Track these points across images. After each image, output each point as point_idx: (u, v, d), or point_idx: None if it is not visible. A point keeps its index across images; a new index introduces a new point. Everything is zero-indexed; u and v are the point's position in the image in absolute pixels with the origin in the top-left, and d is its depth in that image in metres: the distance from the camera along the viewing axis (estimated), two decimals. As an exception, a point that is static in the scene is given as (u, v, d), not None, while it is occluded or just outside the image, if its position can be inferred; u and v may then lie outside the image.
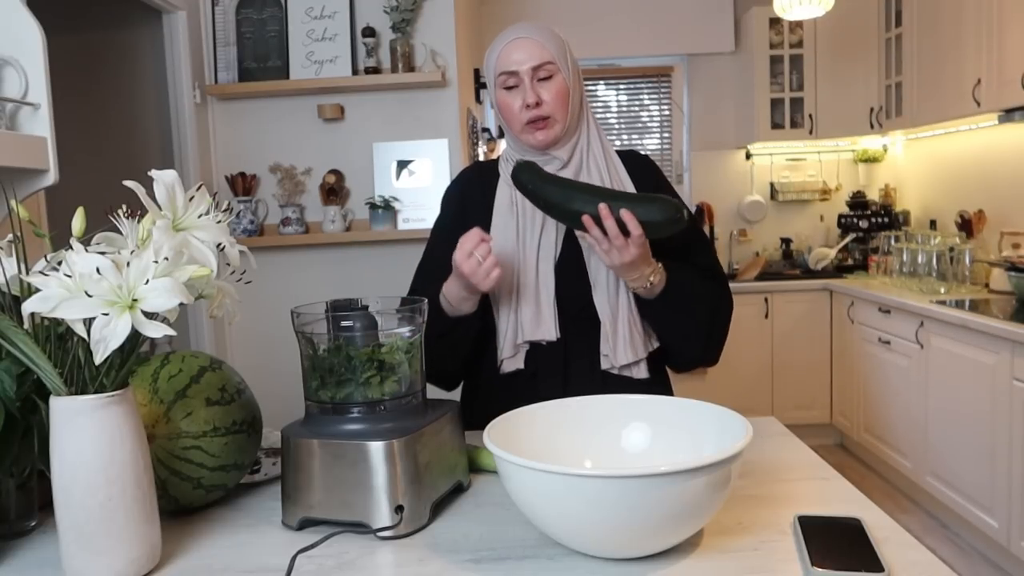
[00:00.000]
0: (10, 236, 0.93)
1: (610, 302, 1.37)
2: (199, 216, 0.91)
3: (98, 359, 0.81)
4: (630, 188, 1.45)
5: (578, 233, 1.36)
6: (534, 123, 1.39)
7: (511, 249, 1.40)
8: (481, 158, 3.69)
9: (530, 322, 1.37)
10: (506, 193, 1.45)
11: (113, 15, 2.94)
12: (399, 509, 0.97)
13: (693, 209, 4.72)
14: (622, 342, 1.37)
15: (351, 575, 0.89)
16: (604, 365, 1.38)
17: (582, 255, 1.40)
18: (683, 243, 1.42)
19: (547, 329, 1.37)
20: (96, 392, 0.86)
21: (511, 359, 1.39)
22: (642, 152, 1.57)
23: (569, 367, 1.39)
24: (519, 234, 1.40)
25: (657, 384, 1.43)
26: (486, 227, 1.42)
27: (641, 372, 1.39)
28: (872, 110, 4.35)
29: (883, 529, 0.94)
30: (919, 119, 3.86)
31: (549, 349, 1.38)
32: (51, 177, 1.40)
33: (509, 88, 1.39)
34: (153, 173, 0.90)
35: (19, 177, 1.38)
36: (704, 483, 0.83)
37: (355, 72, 2.92)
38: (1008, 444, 2.75)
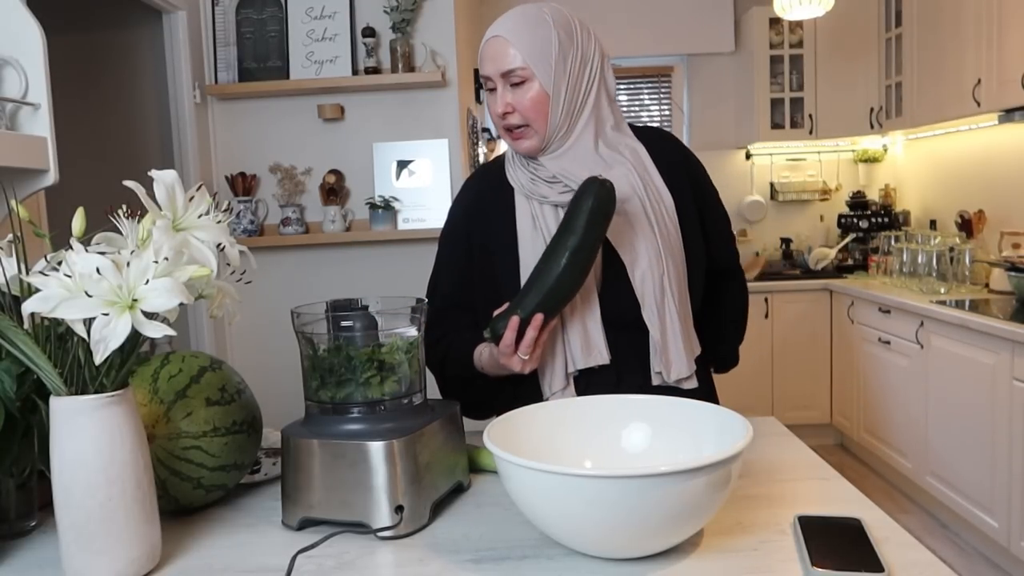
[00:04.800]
0: (10, 236, 0.93)
1: (659, 316, 1.29)
2: (199, 216, 0.91)
3: (98, 359, 0.81)
4: (666, 195, 1.34)
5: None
6: (509, 131, 1.31)
7: None
8: (481, 159, 3.68)
9: (580, 349, 1.28)
10: (526, 209, 1.35)
11: (113, 15, 2.94)
12: (399, 509, 0.97)
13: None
14: (675, 358, 1.30)
15: (351, 575, 0.89)
16: (656, 381, 1.31)
17: (623, 271, 1.30)
18: (711, 223, 1.43)
19: (599, 353, 1.28)
20: (96, 392, 0.86)
21: (563, 391, 1.30)
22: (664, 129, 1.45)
23: (620, 385, 1.31)
24: None
25: (705, 392, 1.37)
26: (512, 245, 1.34)
27: (692, 383, 1.33)
28: (872, 110, 4.35)
29: (883, 529, 0.94)
30: (919, 119, 3.85)
31: (600, 370, 1.30)
32: (51, 177, 1.40)
33: (491, 91, 1.31)
34: (153, 173, 0.90)
35: (19, 177, 1.38)
36: (704, 483, 0.83)
37: (355, 72, 2.92)
38: (1008, 444, 2.75)
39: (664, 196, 1.34)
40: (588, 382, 1.31)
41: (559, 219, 1.30)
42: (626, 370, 1.32)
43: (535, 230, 1.33)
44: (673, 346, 1.30)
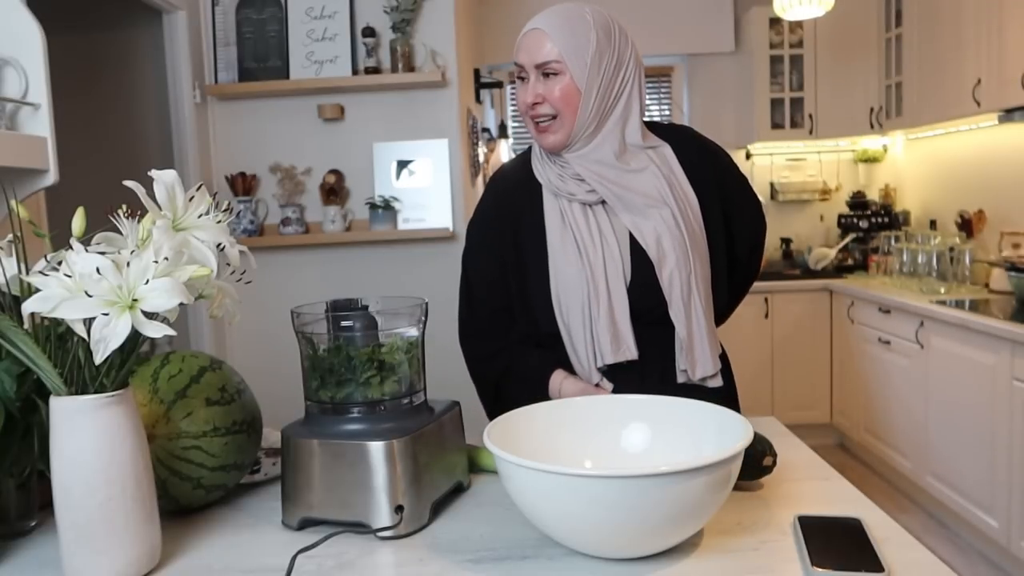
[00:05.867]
0: (10, 236, 0.93)
1: (686, 314, 1.30)
2: (199, 216, 0.91)
3: (98, 359, 0.81)
4: (692, 197, 1.34)
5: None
6: (537, 123, 1.33)
7: (575, 268, 1.31)
8: (481, 159, 3.68)
9: (609, 345, 1.29)
10: (554, 206, 1.36)
11: (113, 15, 2.94)
12: (399, 509, 0.97)
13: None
14: (700, 356, 1.32)
15: (351, 575, 0.89)
16: (681, 379, 1.32)
17: (651, 268, 1.31)
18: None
19: (627, 349, 1.29)
20: (96, 392, 0.86)
21: (599, 385, 1.32)
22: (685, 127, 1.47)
23: (644, 380, 1.32)
24: (581, 251, 1.32)
25: (727, 391, 1.39)
26: (541, 241, 1.36)
27: (717, 381, 1.35)
28: (872, 110, 4.35)
29: (883, 529, 0.94)
30: (919, 119, 3.85)
31: (625, 365, 1.31)
32: (51, 177, 1.40)
33: (522, 79, 1.33)
34: (153, 173, 0.90)
35: (19, 177, 1.38)
36: (704, 483, 0.83)
37: (355, 72, 2.92)
38: (1008, 444, 2.75)
39: (690, 197, 1.36)
40: (614, 378, 1.32)
41: (587, 216, 1.33)
42: (651, 367, 1.33)
43: (564, 226, 1.34)
44: (699, 345, 1.31)
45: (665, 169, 1.35)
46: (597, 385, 1.33)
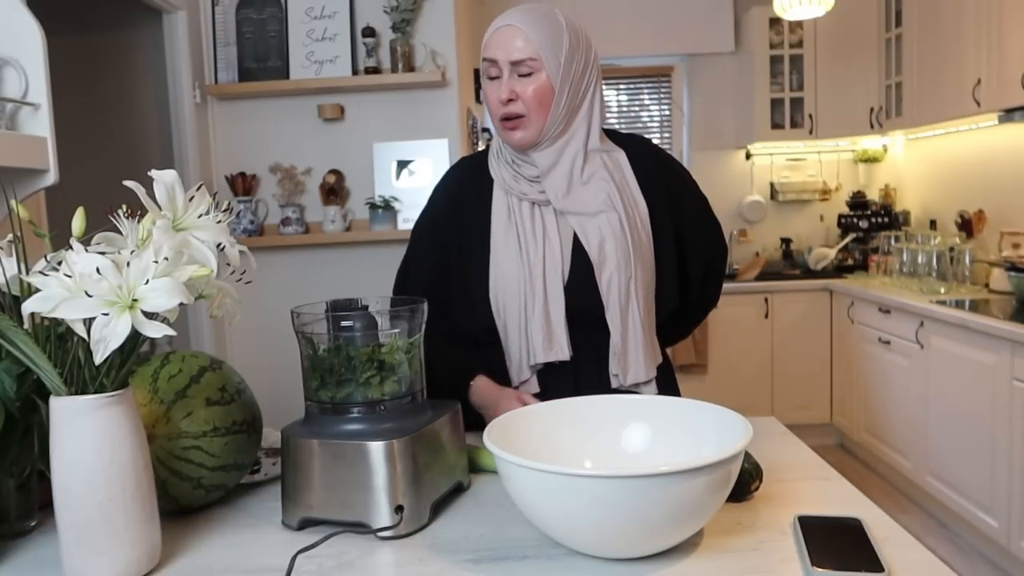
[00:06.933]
0: (10, 236, 0.93)
1: (622, 320, 1.31)
2: (199, 216, 0.91)
3: (98, 359, 0.81)
4: (641, 204, 1.36)
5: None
6: (507, 120, 1.32)
7: (514, 265, 1.32)
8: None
9: (542, 343, 1.30)
10: (503, 202, 1.37)
11: (113, 15, 2.94)
12: (399, 509, 0.97)
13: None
14: (633, 362, 1.32)
15: (351, 575, 0.89)
16: (613, 384, 1.32)
17: (591, 270, 1.32)
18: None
19: (559, 349, 1.30)
20: (96, 392, 0.86)
21: (527, 383, 1.33)
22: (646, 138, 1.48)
23: (579, 382, 1.32)
24: (522, 248, 1.32)
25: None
26: (485, 236, 1.36)
27: (651, 389, 1.34)
28: (872, 110, 4.35)
29: (883, 529, 0.94)
30: (919, 119, 3.85)
31: (559, 365, 1.32)
32: (51, 177, 1.40)
33: (491, 78, 1.32)
34: (153, 173, 0.90)
35: (19, 177, 1.38)
36: (704, 483, 0.83)
37: (355, 72, 2.92)
38: (1008, 444, 2.75)
39: (640, 204, 1.37)
40: (548, 378, 1.33)
41: (534, 215, 1.34)
42: (586, 370, 1.33)
43: (509, 222, 1.35)
44: (633, 351, 1.32)
45: (617, 175, 1.36)
46: (524, 382, 1.33)
